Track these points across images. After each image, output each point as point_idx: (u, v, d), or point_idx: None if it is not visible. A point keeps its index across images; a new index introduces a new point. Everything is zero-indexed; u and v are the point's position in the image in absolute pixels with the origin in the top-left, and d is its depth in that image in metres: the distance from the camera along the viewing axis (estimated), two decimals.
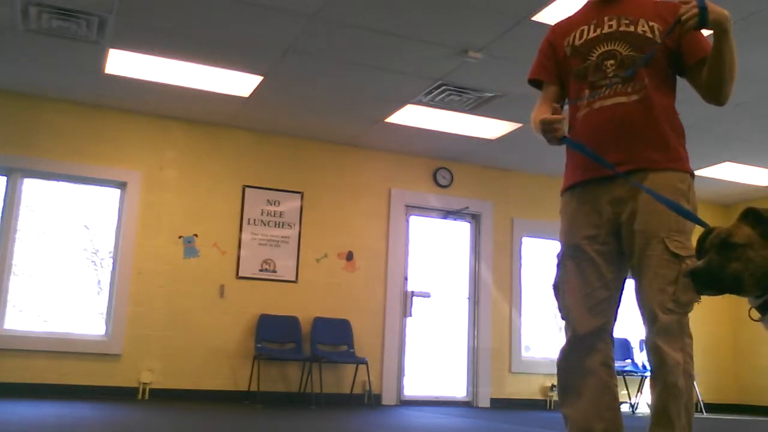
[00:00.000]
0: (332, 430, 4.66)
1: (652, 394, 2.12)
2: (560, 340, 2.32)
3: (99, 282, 6.78)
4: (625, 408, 8.02)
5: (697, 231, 1.93)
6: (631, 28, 2.25)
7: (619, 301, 2.28)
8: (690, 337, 2.12)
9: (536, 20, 4.64)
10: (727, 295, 1.76)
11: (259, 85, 5.99)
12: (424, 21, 4.77)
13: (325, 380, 6.62)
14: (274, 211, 7.10)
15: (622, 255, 2.25)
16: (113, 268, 6.58)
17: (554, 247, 2.39)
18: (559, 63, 2.41)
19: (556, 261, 2.34)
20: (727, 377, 8.68)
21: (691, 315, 2.13)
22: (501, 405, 7.54)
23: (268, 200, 7.09)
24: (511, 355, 7.79)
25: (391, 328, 7.31)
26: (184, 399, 6.34)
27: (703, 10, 2.01)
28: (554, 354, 2.32)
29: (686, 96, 2.37)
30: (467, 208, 7.88)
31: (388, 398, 7.16)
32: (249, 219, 6.99)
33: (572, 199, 2.32)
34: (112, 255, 6.66)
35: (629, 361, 8.08)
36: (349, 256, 7.30)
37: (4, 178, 6.41)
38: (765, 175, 7.84)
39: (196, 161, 6.93)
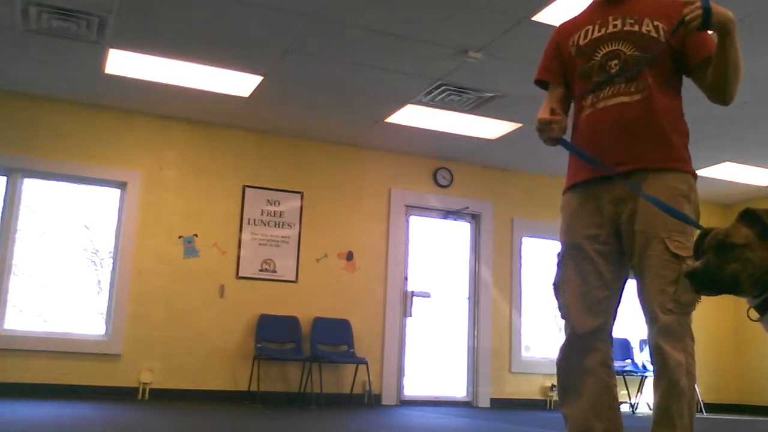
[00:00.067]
0: (332, 430, 4.66)
1: (654, 394, 2.12)
2: (560, 339, 2.32)
3: (99, 282, 6.78)
4: (625, 408, 8.02)
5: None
6: (636, 28, 2.24)
7: (619, 301, 2.28)
8: (692, 337, 2.12)
9: (536, 20, 4.64)
10: (727, 295, 1.76)
11: (259, 85, 5.99)
12: (424, 21, 4.77)
13: (325, 380, 6.62)
14: (274, 211, 7.10)
15: (622, 255, 2.25)
16: (113, 268, 6.58)
17: (554, 247, 2.38)
18: (564, 63, 2.41)
19: (556, 260, 2.34)
20: (728, 377, 8.68)
21: (692, 315, 2.13)
22: (501, 405, 7.54)
23: (268, 200, 7.09)
24: (511, 355, 7.79)
25: (391, 328, 7.31)
26: (184, 399, 6.34)
27: (707, 11, 2.00)
28: (554, 354, 2.32)
29: (686, 96, 2.37)
30: (467, 208, 7.88)
31: (388, 398, 7.16)
32: (249, 219, 6.99)
33: (573, 198, 2.32)
34: (112, 255, 6.66)
35: (629, 361, 8.08)
36: (349, 256, 7.30)
37: (4, 178, 6.41)
38: (765, 175, 7.84)
39: (196, 161, 6.93)
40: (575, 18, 2.46)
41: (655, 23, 2.23)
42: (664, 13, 2.22)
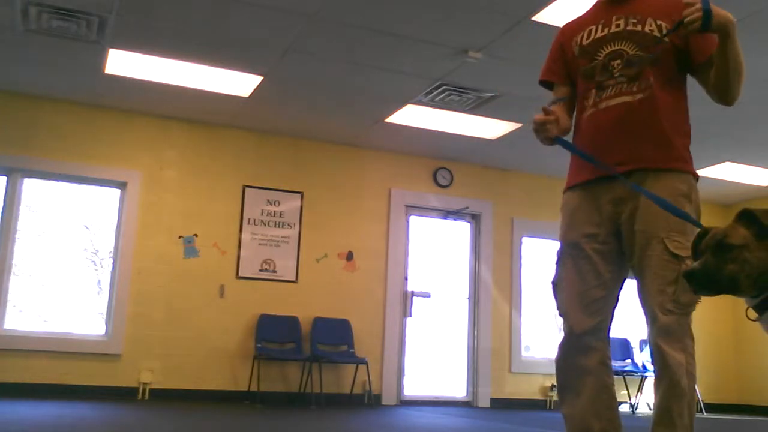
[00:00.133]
0: (332, 430, 4.66)
1: (655, 394, 2.12)
2: (560, 339, 2.32)
3: (99, 282, 6.78)
4: (625, 408, 8.01)
5: None
6: (639, 28, 2.24)
7: (616, 301, 2.28)
8: (692, 338, 2.11)
9: (536, 20, 4.64)
10: (726, 295, 1.76)
11: (259, 85, 5.99)
12: (424, 21, 4.77)
13: (325, 380, 6.62)
14: (274, 211, 7.10)
15: (622, 255, 2.25)
16: (113, 268, 6.58)
17: (554, 247, 2.39)
18: (568, 64, 2.41)
19: (555, 258, 2.34)
20: (728, 377, 8.68)
21: (692, 315, 2.13)
22: (501, 405, 7.54)
23: (268, 200, 7.09)
24: (511, 355, 7.79)
25: (391, 328, 7.31)
26: (184, 399, 6.34)
27: (707, 13, 1.98)
28: (554, 354, 2.32)
29: (687, 95, 2.36)
30: (467, 208, 7.88)
31: (388, 398, 7.16)
32: (249, 219, 6.99)
33: (573, 197, 2.33)
34: (112, 255, 6.66)
35: (629, 361, 8.08)
36: (349, 256, 7.30)
37: (4, 178, 6.41)
38: (765, 175, 7.84)
39: (196, 161, 6.93)
40: (579, 18, 2.46)
41: (659, 22, 2.22)
42: (668, 13, 2.20)
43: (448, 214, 7.93)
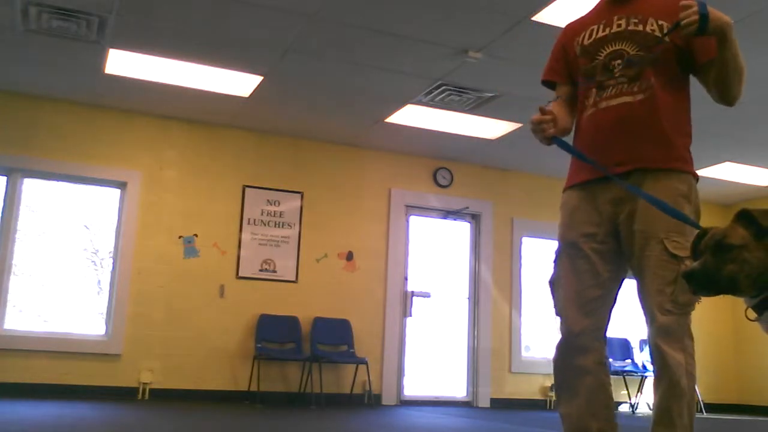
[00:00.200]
0: (332, 430, 4.66)
1: (654, 394, 2.12)
2: (557, 339, 2.32)
3: (99, 282, 6.78)
4: (625, 408, 8.02)
5: None
6: (640, 27, 2.23)
7: (614, 301, 2.27)
8: (691, 337, 2.11)
9: (536, 20, 4.64)
10: (726, 295, 1.76)
11: (259, 85, 5.99)
12: (424, 21, 4.77)
13: (325, 380, 6.62)
14: (274, 211, 7.10)
15: (620, 255, 2.25)
16: (113, 268, 6.58)
17: (554, 246, 2.38)
18: (570, 64, 2.41)
19: (553, 257, 2.34)
20: (728, 377, 8.68)
21: (691, 315, 2.13)
22: (501, 405, 7.54)
23: (268, 200, 7.09)
24: (511, 355, 7.79)
25: (391, 328, 7.31)
26: (184, 399, 6.34)
27: (703, 17, 1.98)
28: (553, 353, 2.32)
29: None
30: (467, 208, 7.88)
31: (388, 398, 7.16)
32: (249, 219, 6.99)
33: (572, 197, 2.33)
34: (112, 255, 6.66)
35: (629, 361, 8.08)
36: (349, 256, 7.30)
37: (4, 178, 6.41)
38: (765, 175, 7.84)
39: (196, 161, 6.93)
40: (582, 18, 2.46)
41: (660, 22, 2.21)
42: (670, 13, 2.19)
43: (448, 214, 7.93)
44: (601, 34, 2.31)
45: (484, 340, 7.68)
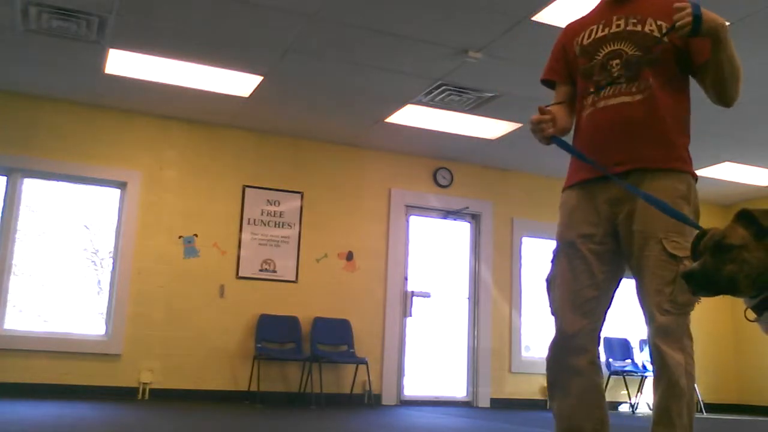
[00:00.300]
0: (332, 430, 4.66)
1: (654, 394, 2.12)
2: (551, 338, 2.32)
3: (99, 282, 6.78)
4: (625, 408, 8.02)
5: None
6: (638, 28, 2.24)
7: (610, 302, 2.28)
8: (690, 337, 2.11)
9: (536, 20, 4.64)
10: (725, 296, 1.76)
11: (259, 85, 5.99)
12: (424, 21, 4.77)
13: (325, 380, 6.62)
14: (274, 211, 7.10)
15: (618, 255, 2.25)
16: (113, 268, 6.58)
17: (554, 246, 2.38)
18: (570, 63, 2.41)
19: (551, 256, 2.35)
20: (727, 377, 8.68)
21: (691, 315, 2.13)
22: (501, 405, 7.55)
23: (268, 200, 7.10)
24: (511, 355, 7.79)
25: (391, 328, 7.31)
26: (184, 399, 6.34)
27: (696, 18, 1.99)
28: (546, 352, 2.33)
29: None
30: (467, 208, 7.88)
31: (388, 398, 7.16)
32: (249, 219, 6.99)
33: (571, 196, 2.33)
34: (112, 255, 6.66)
35: (629, 361, 8.08)
36: (349, 256, 7.30)
37: (4, 178, 6.41)
38: (765, 175, 7.84)
39: (196, 161, 6.93)
40: (582, 18, 2.46)
41: (659, 23, 2.21)
42: (669, 13, 2.18)
43: (448, 214, 7.93)
44: (600, 34, 2.31)
45: (484, 340, 7.68)
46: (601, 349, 7.64)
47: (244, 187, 7.03)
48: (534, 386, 7.79)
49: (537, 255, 8.20)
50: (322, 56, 5.41)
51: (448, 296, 7.80)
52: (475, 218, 8.01)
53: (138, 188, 6.66)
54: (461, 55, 5.24)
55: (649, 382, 7.84)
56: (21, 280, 6.46)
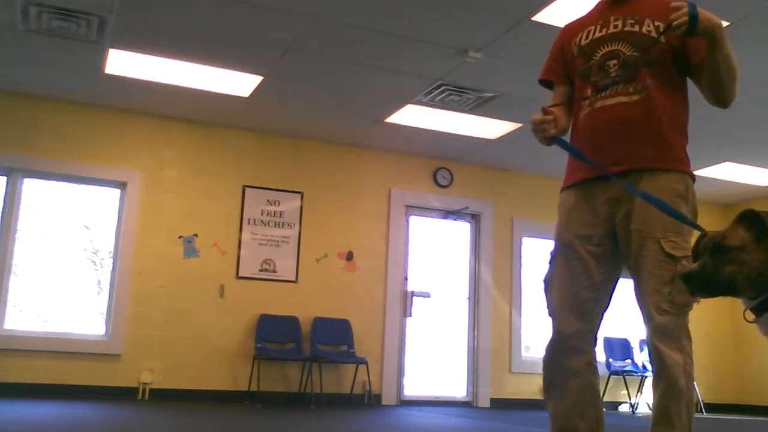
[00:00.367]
0: (332, 430, 4.66)
1: (653, 394, 2.12)
2: (548, 339, 2.33)
3: (99, 282, 6.79)
4: (625, 408, 8.02)
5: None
6: (636, 28, 2.24)
7: (607, 304, 2.28)
8: (689, 337, 2.11)
9: (536, 20, 4.64)
10: (726, 296, 1.76)
11: (259, 85, 5.99)
12: (424, 21, 4.77)
13: (325, 380, 6.62)
14: (274, 211, 7.10)
15: (617, 257, 2.25)
16: (113, 268, 6.58)
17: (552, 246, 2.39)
18: (568, 64, 2.42)
19: (549, 257, 2.35)
20: (728, 377, 8.68)
21: (691, 314, 2.13)
22: (501, 405, 7.54)
23: (268, 200, 7.10)
24: (511, 355, 7.79)
25: (391, 328, 7.31)
26: (184, 399, 6.34)
27: (692, 18, 2.00)
28: (543, 352, 2.33)
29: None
30: (467, 208, 7.88)
31: (388, 398, 7.16)
32: (249, 219, 6.99)
33: (569, 197, 2.33)
34: (112, 255, 6.66)
35: (629, 361, 8.08)
36: (349, 256, 7.30)
37: (4, 178, 6.41)
38: (765, 175, 7.84)
39: (196, 161, 6.93)
40: (580, 19, 2.47)
41: (657, 23, 2.22)
42: (666, 13, 2.19)
43: (448, 214, 7.93)
44: (597, 34, 2.32)
45: (484, 340, 7.68)
46: (601, 349, 7.81)
47: (244, 187, 7.03)
48: (534, 386, 7.78)
49: (537, 255, 8.20)
50: (322, 56, 5.41)
51: (448, 296, 7.80)
52: (475, 218, 8.01)
53: (138, 188, 6.67)
54: (461, 55, 5.24)
55: (649, 382, 7.84)
56: (21, 280, 6.46)
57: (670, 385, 2.06)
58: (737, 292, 1.71)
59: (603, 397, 2.40)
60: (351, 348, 6.96)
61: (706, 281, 1.71)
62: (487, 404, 7.55)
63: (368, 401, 6.92)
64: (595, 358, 2.27)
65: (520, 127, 6.65)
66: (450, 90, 5.92)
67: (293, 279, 7.03)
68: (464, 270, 7.91)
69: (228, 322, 6.71)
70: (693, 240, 1.99)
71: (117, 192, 6.74)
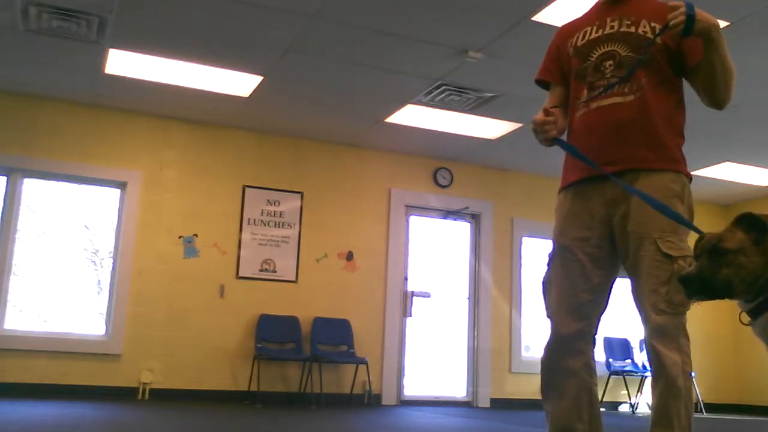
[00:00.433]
0: (332, 430, 4.67)
1: (652, 395, 2.13)
2: (546, 340, 2.33)
3: (99, 282, 6.79)
4: (625, 408, 8.02)
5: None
6: (632, 29, 2.25)
7: (605, 305, 2.29)
8: (687, 337, 2.12)
9: (536, 20, 4.64)
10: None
11: (259, 85, 5.99)
12: (424, 21, 4.77)
13: (325, 380, 6.62)
14: (274, 211, 7.10)
15: (614, 257, 2.26)
16: (113, 268, 6.58)
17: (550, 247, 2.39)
18: (564, 64, 2.42)
19: (547, 259, 2.35)
20: (727, 377, 8.68)
21: (691, 315, 2.13)
22: (501, 405, 7.55)
23: (268, 200, 7.10)
24: (511, 355, 7.79)
25: (391, 328, 7.31)
26: (184, 399, 6.34)
27: (689, 18, 2.01)
28: (541, 353, 2.33)
29: (686, 96, 2.37)
30: (467, 208, 7.88)
31: (388, 398, 7.16)
32: (249, 219, 6.99)
33: (567, 199, 2.34)
34: (112, 255, 6.66)
35: (629, 361, 8.08)
36: (349, 256, 7.30)
37: (4, 178, 6.41)
38: (765, 175, 7.84)
39: (196, 161, 6.93)
40: (576, 20, 2.47)
41: (653, 24, 2.22)
42: (663, 14, 2.20)
43: (448, 214, 7.93)
44: (594, 35, 2.32)
45: (484, 340, 7.68)
46: (601, 349, 7.81)
47: (244, 187, 7.03)
48: (534, 386, 7.73)
49: (537, 255, 8.20)
50: (322, 56, 5.41)
51: (448, 296, 7.81)
52: (475, 218, 8.01)
53: (138, 188, 6.67)
54: (461, 55, 5.24)
55: (649, 382, 7.83)
56: (21, 280, 6.46)
57: (669, 385, 2.06)
58: (734, 295, 1.72)
59: (603, 397, 2.41)
60: (351, 348, 6.96)
61: (702, 284, 1.71)
62: (487, 404, 7.55)
63: (368, 401, 6.92)
64: (593, 359, 2.28)
65: (520, 127, 6.65)
66: (450, 90, 5.92)
67: (293, 279, 7.03)
68: (464, 270, 7.91)
69: (228, 322, 6.71)
70: (690, 239, 1.99)
71: (117, 192, 6.75)
